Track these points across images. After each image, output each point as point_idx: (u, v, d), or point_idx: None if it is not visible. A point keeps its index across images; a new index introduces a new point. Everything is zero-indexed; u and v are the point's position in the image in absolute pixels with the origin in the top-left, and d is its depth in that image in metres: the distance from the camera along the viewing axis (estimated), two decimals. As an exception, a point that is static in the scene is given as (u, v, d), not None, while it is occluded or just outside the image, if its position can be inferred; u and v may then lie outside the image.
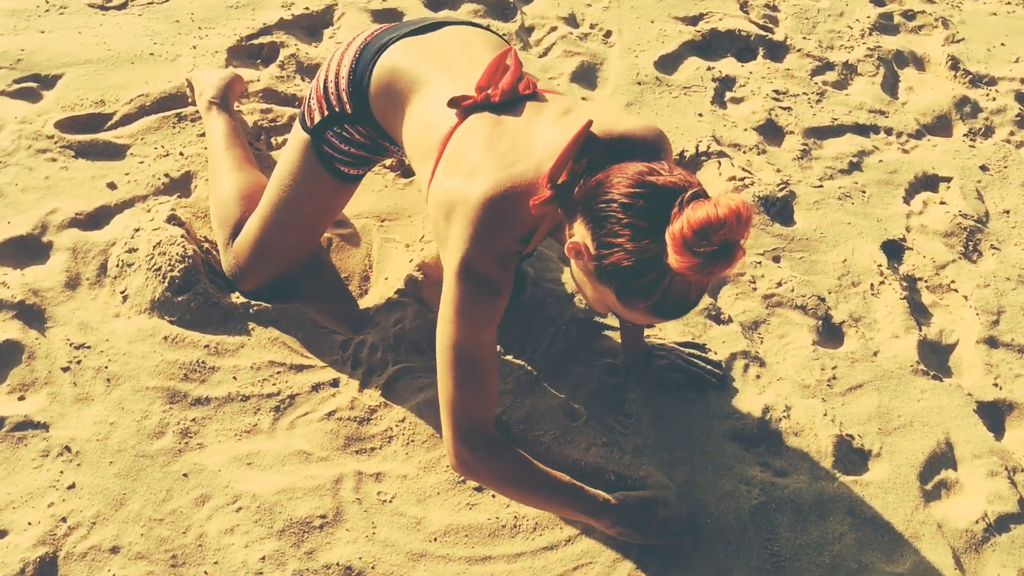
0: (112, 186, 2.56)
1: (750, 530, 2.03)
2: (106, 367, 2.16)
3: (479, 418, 1.83)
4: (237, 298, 2.32)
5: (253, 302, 2.31)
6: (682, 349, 2.33)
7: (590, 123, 1.75)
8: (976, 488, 2.17)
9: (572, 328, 2.37)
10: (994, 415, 2.34)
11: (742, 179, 2.80)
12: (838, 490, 2.11)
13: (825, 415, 2.24)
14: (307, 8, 3.26)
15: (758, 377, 2.32)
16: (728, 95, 3.17)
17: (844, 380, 2.34)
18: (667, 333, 2.40)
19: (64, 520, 1.90)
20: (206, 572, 1.85)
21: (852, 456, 2.20)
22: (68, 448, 2.01)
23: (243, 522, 1.94)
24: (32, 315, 2.23)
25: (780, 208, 2.77)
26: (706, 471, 2.12)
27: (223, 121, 2.57)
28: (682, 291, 1.58)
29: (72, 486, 1.96)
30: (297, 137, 2.23)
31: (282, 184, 2.26)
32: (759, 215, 2.71)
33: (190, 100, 2.83)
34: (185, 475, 2.00)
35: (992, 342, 2.48)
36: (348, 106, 2.12)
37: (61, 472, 1.98)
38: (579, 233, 1.67)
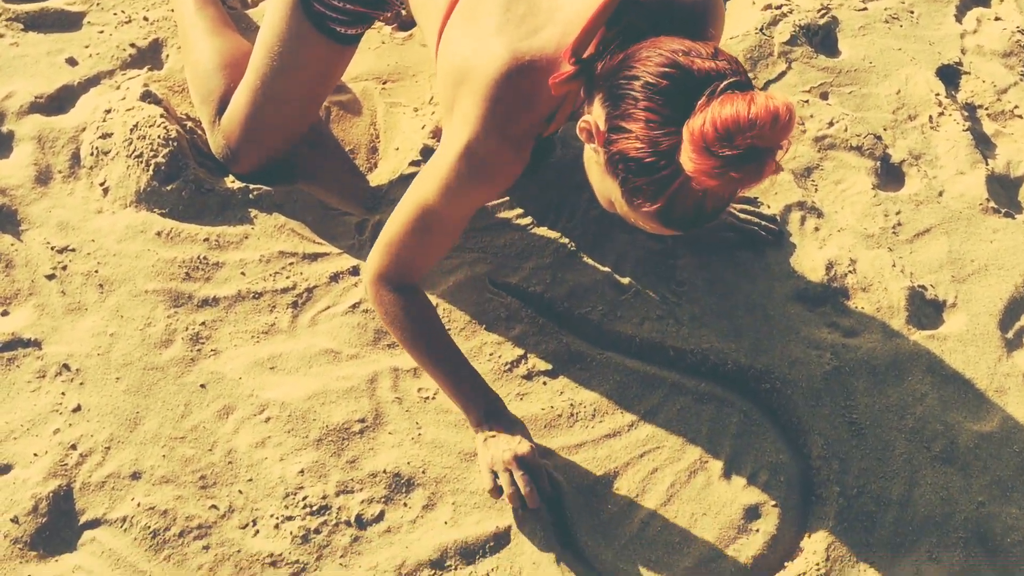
0: (72, 62, 2.24)
1: (825, 398, 1.86)
2: (96, 271, 1.91)
3: (410, 269, 1.73)
4: (232, 182, 2.05)
5: (251, 186, 2.04)
6: (733, 205, 2.10)
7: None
8: (1061, 333, 2.00)
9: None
10: (1072, 252, 2.16)
11: (778, 7, 2.50)
12: (914, 347, 1.94)
13: (894, 266, 2.04)
14: None
15: (817, 230, 2.11)
16: (752, -90, 2.82)
17: (910, 225, 2.13)
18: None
19: (74, 447, 1.71)
20: (241, 491, 1.68)
21: (926, 309, 2.02)
22: (67, 366, 1.80)
23: (274, 433, 1.75)
24: (3, 217, 1.97)
25: (823, 37, 2.49)
26: (771, 337, 1.93)
27: (191, -21, 2.23)
28: (695, 200, 1.36)
29: (77, 408, 1.75)
30: None
31: (269, 51, 1.96)
32: (801, 47, 2.43)
33: (148, -45, 2.47)
34: (203, 386, 1.80)
35: (1065, 170, 2.27)
36: None
37: (63, 394, 1.77)
38: (594, 112, 1.44)
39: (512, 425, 1.71)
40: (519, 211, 2.08)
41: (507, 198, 2.10)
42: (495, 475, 1.65)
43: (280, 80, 1.97)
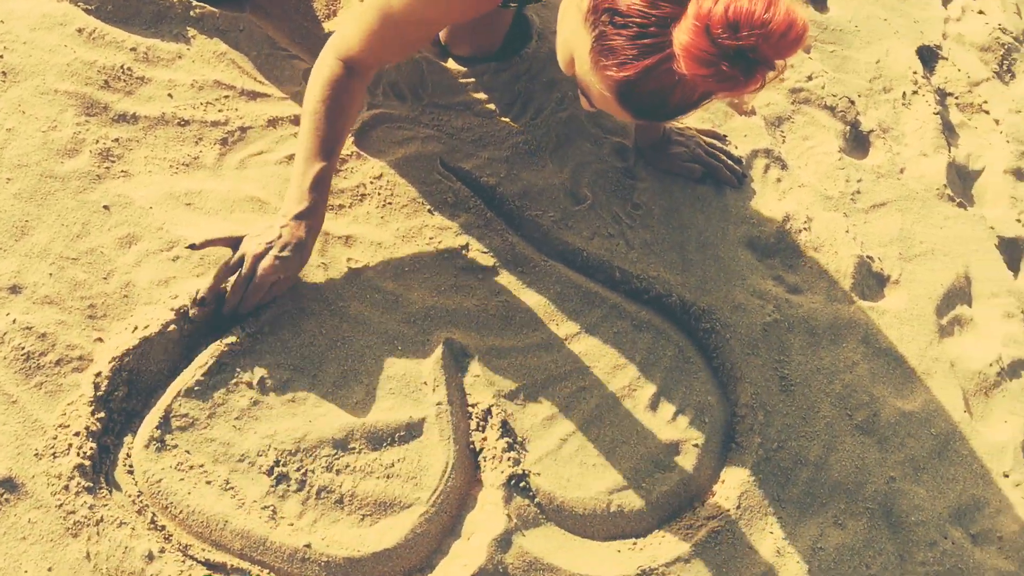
0: None
1: (761, 349, 1.81)
2: (1, 56, 1.66)
3: (358, 58, 1.58)
4: (173, -6, 1.82)
5: (195, 2, 1.82)
6: (703, 138, 2.01)
7: None
8: (991, 328, 2.01)
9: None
10: (1013, 252, 2.17)
11: (777, -51, 2.40)
12: (854, 315, 1.91)
13: (847, 232, 2.00)
14: None
15: (779, 180, 2.04)
16: None
17: (868, 195, 2.09)
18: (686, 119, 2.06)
19: (-54, 246, 1.48)
20: (135, 328, 1.49)
21: (870, 280, 1.98)
22: (-50, 154, 1.56)
23: (180, 274, 1.57)
24: None
25: (814, -10, 2.41)
26: (718, 279, 1.86)
27: None
28: (663, 86, 1.23)
29: (-44, 203, 1.52)
30: None
31: None
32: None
33: None
34: (106, 207, 1.59)
35: (1020, 174, 2.27)
36: None
37: (-60, 184, 1.53)
38: None
39: (299, 247, 1.52)
40: (483, 96, 1.93)
41: (472, 79, 1.94)
42: (235, 251, 1.52)
43: None
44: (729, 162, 1.99)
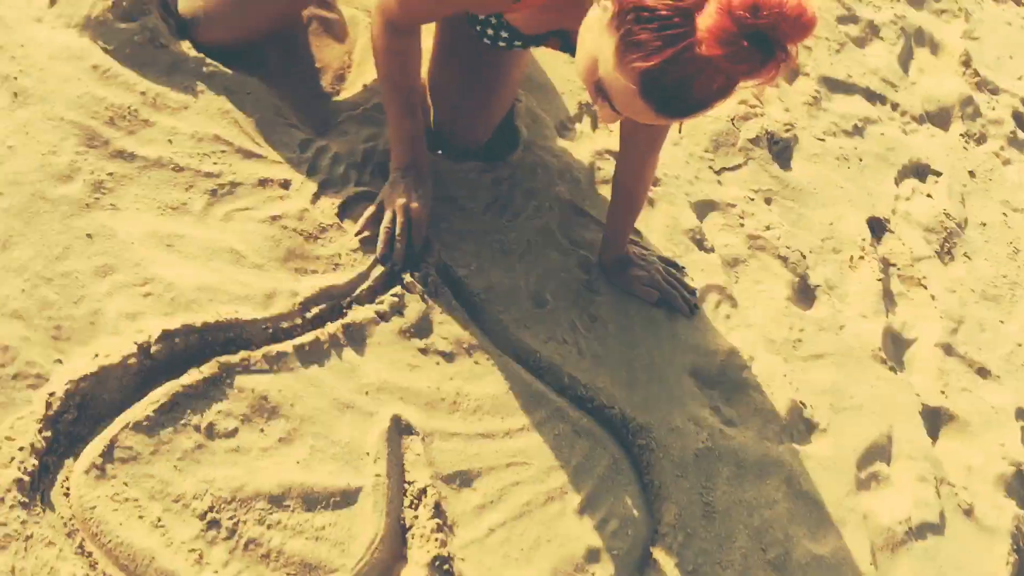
0: None
1: (691, 473, 1.89)
2: (15, 78, 1.73)
3: (398, 18, 1.78)
4: (189, 49, 1.92)
5: (209, 60, 1.91)
6: (663, 265, 2.13)
7: None
8: (905, 489, 2.11)
9: (555, 208, 2.12)
10: (934, 421, 2.30)
11: (753, 106, 2.59)
12: (781, 455, 2.00)
13: (785, 376, 2.11)
14: None
15: (728, 317, 2.16)
16: (754, 13, 2.93)
17: (808, 345, 2.22)
18: (653, 243, 2.19)
19: (-73, 246, 1.51)
20: (96, 355, 1.52)
21: (800, 425, 2.09)
22: (-52, 160, 1.60)
23: (150, 311, 1.61)
24: (-69, -17, 1.76)
25: (781, 150, 2.59)
26: (659, 400, 1.95)
27: None
28: (686, 75, 1.32)
29: (-55, 208, 1.56)
30: None
31: None
32: (762, 149, 2.52)
33: None
34: (89, 236, 1.64)
35: (948, 349, 2.42)
36: None
37: (-66, 187, 1.57)
38: None
39: (421, 183, 1.87)
40: (465, 193, 2.03)
41: (459, 175, 2.05)
42: (381, 207, 1.86)
43: None
44: (684, 292, 2.10)
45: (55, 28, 1.82)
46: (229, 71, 1.92)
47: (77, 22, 1.83)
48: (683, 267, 2.17)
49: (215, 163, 1.82)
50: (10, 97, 1.71)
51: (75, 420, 1.48)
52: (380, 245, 1.83)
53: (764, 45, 1.25)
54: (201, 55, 1.91)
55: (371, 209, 1.86)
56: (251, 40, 1.97)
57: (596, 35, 1.43)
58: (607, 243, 2.08)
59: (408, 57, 1.84)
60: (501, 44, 1.88)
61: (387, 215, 1.84)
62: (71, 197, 1.66)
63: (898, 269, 2.55)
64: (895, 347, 2.39)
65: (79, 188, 1.67)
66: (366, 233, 1.85)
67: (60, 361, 1.51)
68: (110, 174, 1.72)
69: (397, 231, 1.83)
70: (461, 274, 1.91)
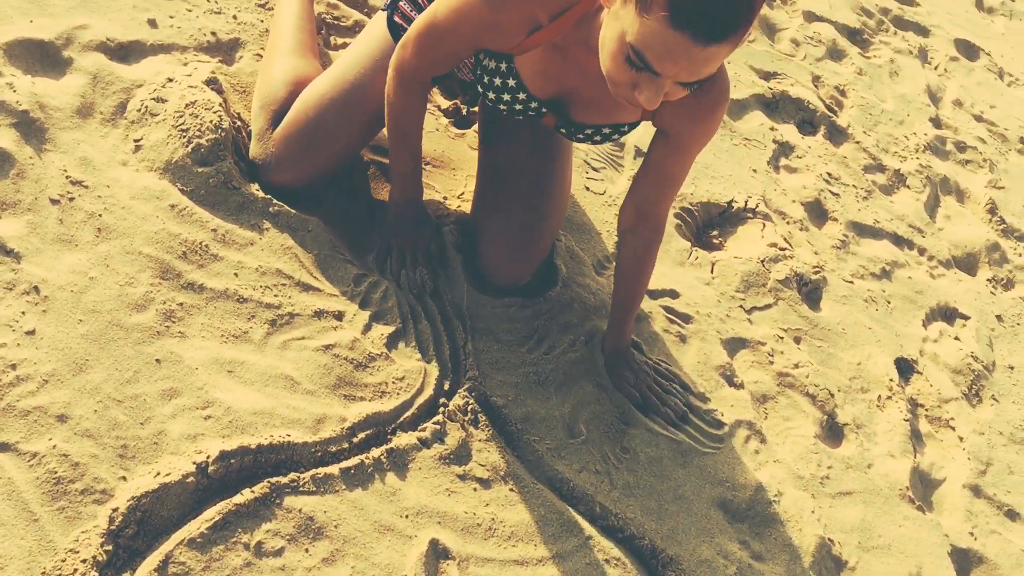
0: (153, 23, 2.29)
1: (719, 607, 1.92)
2: (100, 215, 1.91)
3: (416, 75, 1.99)
4: (258, 191, 2.09)
5: (275, 201, 2.09)
6: (654, 375, 2.21)
7: None
8: (935, 632, 2.12)
9: (591, 342, 2.23)
10: (963, 563, 2.31)
11: (782, 249, 2.71)
12: (809, 592, 2.03)
13: (813, 512, 2.16)
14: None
15: (757, 452, 2.23)
16: (784, 161, 3.09)
17: (836, 482, 2.27)
18: (685, 375, 2.28)
19: (13, 367, 1.65)
20: (158, 473, 1.63)
21: (828, 562, 2.12)
22: (37, 289, 1.76)
23: (209, 433, 1.72)
24: (32, 130, 1.96)
25: (811, 291, 2.69)
26: (688, 532, 2.00)
27: (301, 5, 2.34)
28: None
29: (32, 332, 1.71)
30: (376, 18, 2.17)
31: (353, 61, 2.14)
32: (791, 290, 2.63)
33: (260, -34, 2.58)
34: (158, 361, 1.78)
35: (976, 490, 2.45)
36: None
37: (23, 313, 1.72)
38: None
39: (422, 218, 2.18)
40: (506, 326, 2.15)
41: (500, 310, 2.17)
42: (390, 249, 2.14)
43: (354, 88, 2.09)
44: (671, 403, 2.18)
45: (138, 171, 2.01)
46: (292, 211, 2.09)
47: (159, 166, 2.02)
48: (677, 375, 2.24)
49: (276, 295, 1.97)
50: (94, 232, 1.88)
51: (135, 535, 1.57)
52: (408, 287, 2.11)
53: None
54: (268, 196, 2.09)
55: (388, 258, 2.15)
56: (314, 182, 2.15)
57: (612, 20, 1.58)
58: (608, 333, 2.20)
59: (417, 110, 2.06)
60: (517, 107, 2.01)
61: (394, 259, 2.14)
62: (143, 325, 1.81)
63: (926, 410, 2.61)
64: (923, 487, 2.42)
65: (151, 317, 1.82)
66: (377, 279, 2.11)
67: (124, 478, 1.62)
68: (180, 304, 1.87)
69: (417, 269, 2.12)
70: (499, 403, 2.01)
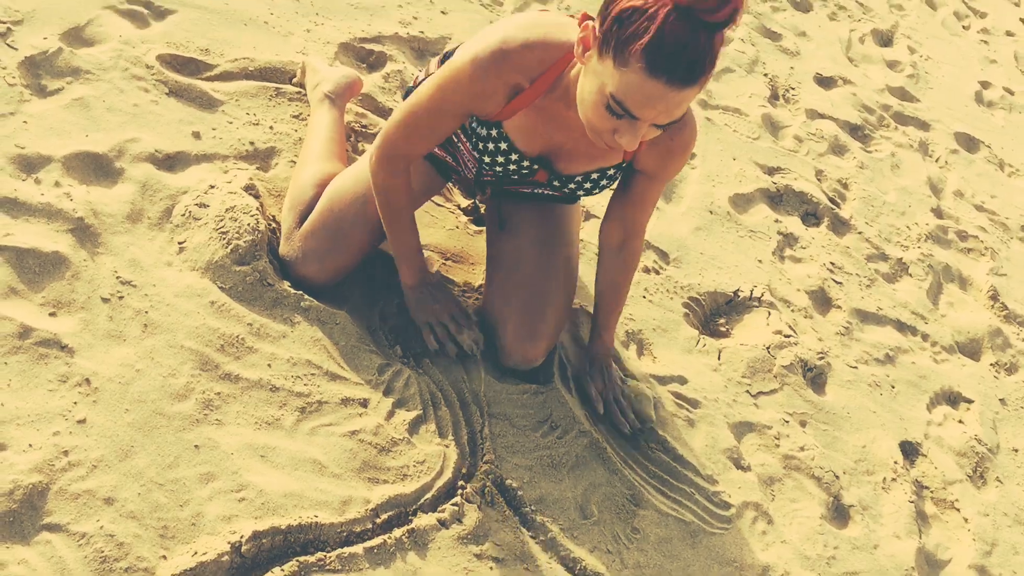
0: (196, 135, 2.50)
1: None
2: (147, 312, 2.08)
3: (402, 153, 2.13)
4: (290, 287, 2.26)
5: (306, 296, 2.25)
6: (620, 387, 2.38)
7: None
8: None
9: (603, 431, 2.35)
10: (971, 644, 2.36)
11: (787, 336, 2.84)
12: (816, 670, 2.10)
13: (819, 592, 2.23)
14: (422, 32, 3.28)
15: (764, 533, 2.31)
16: (788, 251, 3.23)
17: (842, 563, 2.34)
18: (693, 459, 2.38)
19: (66, 453, 1.80)
20: (195, 552, 1.76)
21: (835, 641, 2.19)
22: (88, 381, 1.92)
23: (242, 514, 1.85)
24: (87, 235, 2.15)
25: (815, 376, 2.81)
26: (698, 610, 2.09)
27: (333, 116, 2.55)
28: (679, 39, 1.63)
29: (83, 421, 1.86)
30: None
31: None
32: (796, 375, 2.74)
33: (294, 80, 2.81)
34: (197, 447, 1.92)
35: (982, 571, 2.50)
36: None
37: (75, 403, 1.88)
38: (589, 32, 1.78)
39: (438, 288, 2.31)
40: (520, 411, 2.28)
41: (515, 396, 2.30)
42: (430, 326, 2.29)
43: (366, 188, 2.28)
44: (623, 418, 2.35)
45: (182, 271, 2.19)
46: (322, 305, 2.25)
47: (201, 266, 2.20)
48: (639, 395, 2.39)
49: (305, 384, 2.12)
50: (141, 328, 2.05)
51: (174, 610, 1.69)
52: (460, 352, 2.30)
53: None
54: (299, 291, 2.25)
55: (424, 333, 2.30)
56: (339, 275, 2.31)
57: (589, 75, 1.80)
58: (591, 341, 2.40)
59: (405, 188, 2.18)
60: (512, 167, 2.20)
61: (440, 332, 2.29)
62: (184, 413, 1.96)
63: (931, 492, 2.68)
64: (929, 568, 2.48)
65: (191, 406, 1.97)
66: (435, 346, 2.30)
67: (165, 557, 1.75)
68: (218, 393, 2.02)
69: (457, 334, 2.29)
70: (514, 486, 2.13)
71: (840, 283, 3.20)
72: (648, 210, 2.29)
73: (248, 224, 2.25)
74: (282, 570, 1.80)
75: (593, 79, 1.78)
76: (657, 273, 2.88)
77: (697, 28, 1.64)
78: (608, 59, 1.72)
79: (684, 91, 1.69)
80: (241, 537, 1.80)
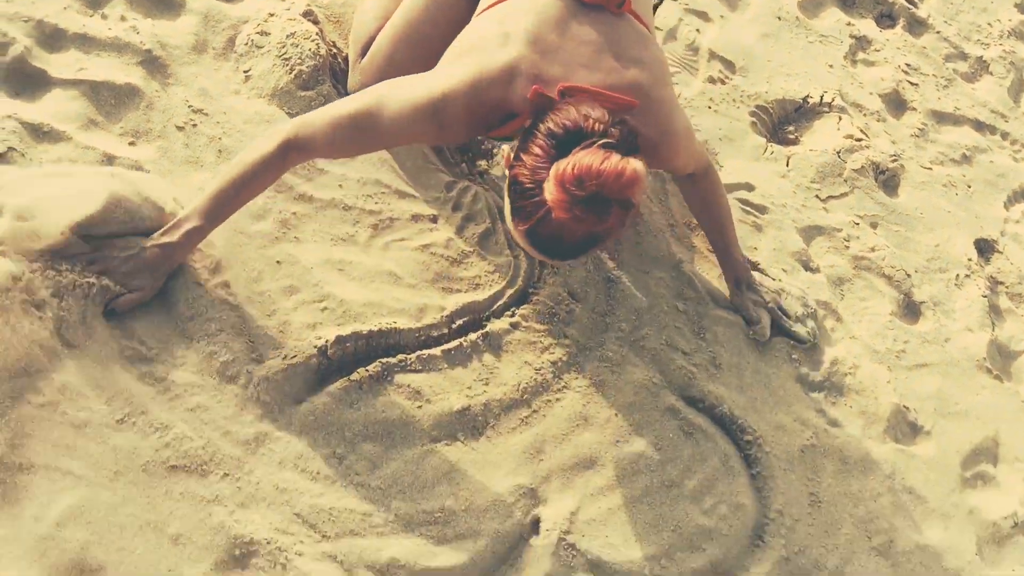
0: (252, -35, 2.50)
1: (797, 466, 2.08)
2: (220, 138, 2.14)
3: (316, 155, 1.84)
4: (355, 110, 2.29)
5: (371, 118, 2.28)
6: (774, 295, 2.30)
7: (632, 106, 1.77)
8: (1012, 488, 2.22)
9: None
10: (1042, 428, 2.39)
11: (859, 140, 2.78)
12: (885, 454, 2.16)
13: (888, 382, 2.28)
14: None
15: (833, 330, 2.35)
16: (861, 55, 3.12)
17: (913, 356, 2.37)
18: (759, 248, 2.41)
19: (158, 271, 1.91)
20: (284, 356, 1.88)
21: (904, 427, 2.24)
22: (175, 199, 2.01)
23: (326, 322, 1.96)
24: (156, 67, 2.20)
25: (888, 179, 2.76)
26: (766, 403, 2.15)
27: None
28: (555, 230, 1.62)
29: (170, 241, 1.96)
30: None
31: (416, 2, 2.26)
32: (868, 179, 2.70)
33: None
34: (278, 262, 2.01)
35: (1057, 360, 2.51)
36: None
37: (161, 225, 1.98)
38: (516, 145, 1.73)
39: (151, 270, 1.79)
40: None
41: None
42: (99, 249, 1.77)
43: (419, 28, 2.23)
44: (760, 323, 2.26)
45: (249, 98, 2.23)
46: (387, 127, 2.28)
47: (267, 92, 2.24)
48: (799, 312, 2.33)
49: (376, 203, 2.18)
50: (215, 154, 2.12)
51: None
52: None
53: (598, 207, 1.52)
54: (364, 115, 2.29)
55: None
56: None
57: (504, 191, 1.77)
58: (724, 270, 2.29)
59: (263, 184, 1.85)
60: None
61: (101, 259, 1.78)
62: (264, 232, 2.04)
63: (1006, 287, 2.66)
64: (1002, 358, 2.50)
65: (270, 224, 2.05)
66: None
67: (258, 360, 1.87)
68: (293, 213, 2.09)
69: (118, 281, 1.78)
70: (580, 294, 2.19)
71: (916, 84, 3.09)
72: (689, 163, 2.09)
73: (310, 49, 2.28)
74: (367, 370, 1.91)
75: (505, 202, 1.75)
76: (723, 83, 2.82)
77: (576, 227, 1.58)
78: (507, 202, 1.72)
79: (578, 258, 1.71)
80: (326, 341, 1.91)
